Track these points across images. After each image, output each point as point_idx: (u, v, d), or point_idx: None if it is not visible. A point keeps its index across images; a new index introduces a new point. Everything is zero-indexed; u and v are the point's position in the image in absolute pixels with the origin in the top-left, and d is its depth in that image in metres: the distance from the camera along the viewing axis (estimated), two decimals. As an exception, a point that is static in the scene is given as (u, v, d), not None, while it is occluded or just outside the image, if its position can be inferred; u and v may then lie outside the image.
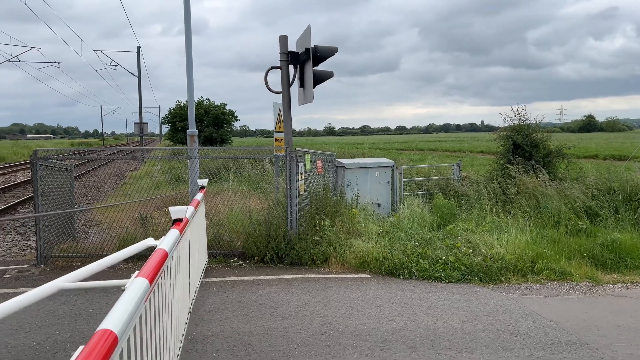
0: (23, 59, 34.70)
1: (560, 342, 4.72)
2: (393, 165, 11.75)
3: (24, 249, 9.06)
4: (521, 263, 7.07)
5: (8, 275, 6.97)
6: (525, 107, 12.85)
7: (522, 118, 12.73)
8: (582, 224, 8.70)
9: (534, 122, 12.74)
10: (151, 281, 2.40)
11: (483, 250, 7.24)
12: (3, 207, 13.67)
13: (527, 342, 4.70)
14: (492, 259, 7.04)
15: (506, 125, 12.98)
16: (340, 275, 6.97)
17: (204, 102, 35.69)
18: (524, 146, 12.15)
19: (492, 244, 7.48)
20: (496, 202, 10.49)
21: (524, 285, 6.69)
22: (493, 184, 11.17)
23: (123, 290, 2.20)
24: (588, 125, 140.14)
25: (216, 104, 36.28)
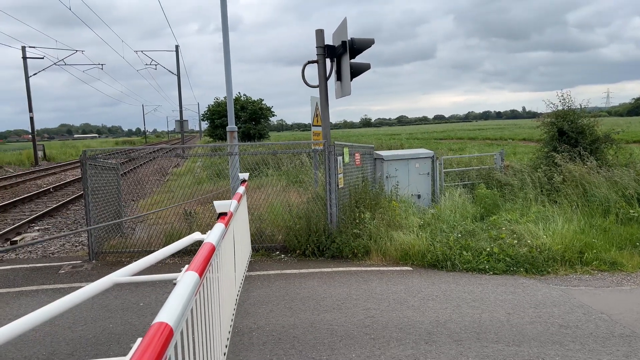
0: (69, 62, 36.12)
1: (613, 335, 4.57)
2: (433, 156, 11.60)
3: (76, 246, 9.46)
4: (569, 253, 6.87)
5: (63, 271, 7.29)
6: (570, 91, 12.40)
7: (567, 103, 12.30)
8: (633, 212, 8.37)
9: (579, 107, 12.28)
10: (200, 274, 2.46)
11: (528, 241, 7.07)
12: (56, 204, 14.30)
13: (577, 335, 4.58)
14: (538, 249, 6.87)
15: (549, 111, 12.57)
16: (381, 268, 6.96)
17: (241, 98, 36.13)
18: (569, 133, 11.74)
19: (537, 235, 7.29)
20: (541, 191, 10.20)
21: (572, 276, 6.50)
22: (537, 172, 10.86)
23: (174, 284, 2.26)
24: (637, 108, 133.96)
25: (253, 99, 36.67)
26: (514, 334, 4.63)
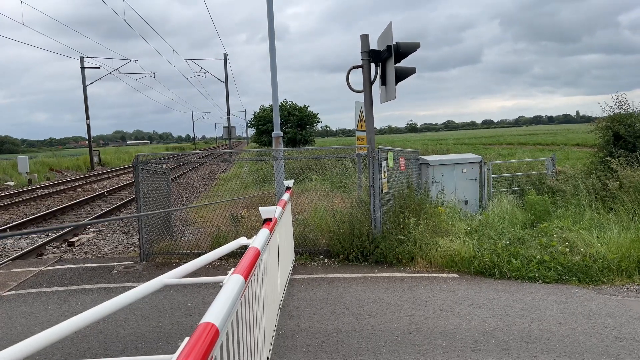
0: (123, 71, 37.79)
1: (674, 350, 4.32)
2: (480, 161, 11.35)
3: (128, 247, 9.83)
4: (625, 263, 6.55)
5: (116, 271, 7.60)
6: (626, 94, 11.86)
7: (624, 107, 11.76)
8: (697, 221, 7.89)
9: (636, 110, 11.73)
10: (246, 278, 2.52)
11: (582, 249, 6.80)
12: (110, 207, 14.91)
13: (634, 348, 4.36)
14: (592, 258, 6.59)
15: (605, 115, 12.06)
16: (426, 275, 6.86)
17: (287, 104, 36.54)
18: (626, 137, 11.22)
19: (591, 243, 7.00)
20: (595, 197, 9.79)
21: (629, 286, 6.20)
22: (592, 178, 10.43)
23: (221, 286, 2.33)
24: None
25: (299, 105, 37.00)
26: (566, 344, 4.46)
